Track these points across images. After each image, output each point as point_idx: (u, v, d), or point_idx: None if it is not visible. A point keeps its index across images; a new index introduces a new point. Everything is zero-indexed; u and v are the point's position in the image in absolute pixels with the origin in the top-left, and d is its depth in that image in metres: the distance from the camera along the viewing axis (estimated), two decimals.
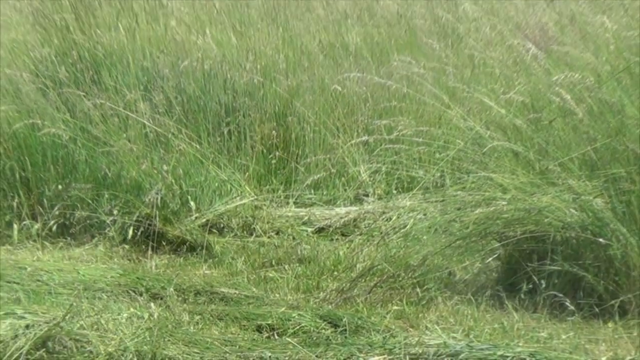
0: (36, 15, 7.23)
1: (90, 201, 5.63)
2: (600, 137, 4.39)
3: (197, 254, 5.34)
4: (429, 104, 5.99)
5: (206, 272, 5.06)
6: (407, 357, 3.41)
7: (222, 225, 5.72)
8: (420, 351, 3.45)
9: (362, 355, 3.46)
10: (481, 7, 7.27)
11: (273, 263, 5.18)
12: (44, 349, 3.45)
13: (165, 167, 5.73)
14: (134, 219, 5.51)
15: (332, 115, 6.72)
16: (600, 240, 4.15)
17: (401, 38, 7.81)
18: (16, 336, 3.47)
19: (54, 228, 5.62)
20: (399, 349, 3.48)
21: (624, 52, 4.55)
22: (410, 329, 3.95)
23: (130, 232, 5.49)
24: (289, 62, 7.24)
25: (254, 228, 5.69)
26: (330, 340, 3.74)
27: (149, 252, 5.35)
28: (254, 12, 8.28)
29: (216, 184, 5.95)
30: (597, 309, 4.13)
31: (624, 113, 4.34)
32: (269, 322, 4.01)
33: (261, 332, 3.95)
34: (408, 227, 5.04)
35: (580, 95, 4.46)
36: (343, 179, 6.33)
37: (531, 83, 4.88)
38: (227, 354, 3.49)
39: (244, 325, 4.01)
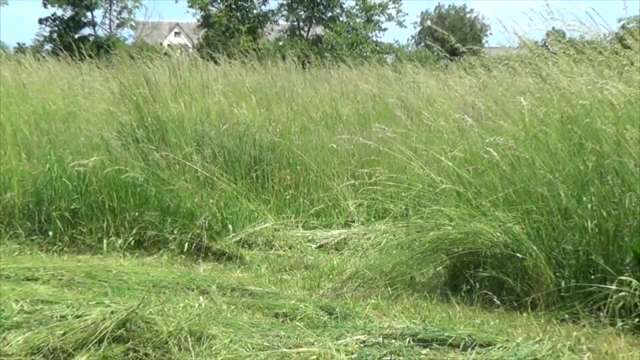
0: (120, 91, 7.28)
1: (157, 224, 5.66)
2: (518, 182, 4.41)
3: (233, 262, 5.36)
4: (398, 158, 6.02)
5: (239, 275, 5.07)
6: (381, 337, 3.39)
7: (251, 242, 5.73)
8: (390, 332, 3.44)
9: (349, 334, 3.43)
10: (433, 91, 7.33)
11: (287, 269, 5.18)
12: (123, 328, 3.41)
13: (211, 201, 5.74)
14: (189, 237, 5.53)
15: (329, 165, 6.77)
16: (518, 255, 4.16)
17: (378, 111, 7.89)
18: (104, 319, 3.44)
19: (132, 243, 5.65)
20: (375, 330, 3.47)
21: (534, 123, 4.59)
22: (384, 317, 3.94)
23: (186, 246, 5.52)
24: (299, 127, 7.32)
25: (274, 244, 5.70)
26: (326, 324, 3.74)
27: (199, 260, 5.37)
28: (274, 91, 8.36)
29: (247, 213, 5.97)
30: (515, 304, 4.14)
31: (534, 166, 4.36)
32: (283, 310, 4.00)
33: (278, 318, 3.94)
34: (382, 244, 5.05)
35: (504, 153, 4.47)
36: (337, 210, 6.37)
37: (469, 144, 4.91)
38: (253, 333, 3.47)
39: (265, 313, 4.00)
